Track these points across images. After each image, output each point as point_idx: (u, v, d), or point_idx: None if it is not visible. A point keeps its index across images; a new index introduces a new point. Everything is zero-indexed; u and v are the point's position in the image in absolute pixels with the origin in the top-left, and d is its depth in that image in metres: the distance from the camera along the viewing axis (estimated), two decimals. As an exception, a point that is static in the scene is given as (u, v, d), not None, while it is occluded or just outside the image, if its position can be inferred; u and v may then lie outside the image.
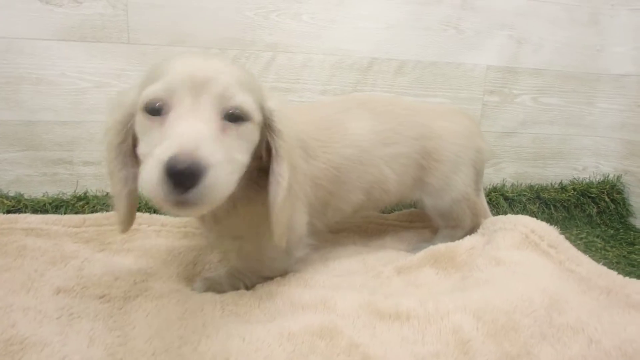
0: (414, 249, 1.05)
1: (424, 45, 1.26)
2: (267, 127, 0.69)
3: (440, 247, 0.95)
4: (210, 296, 0.77)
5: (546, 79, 1.34)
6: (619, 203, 1.32)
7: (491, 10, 1.28)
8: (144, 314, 0.72)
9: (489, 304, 0.71)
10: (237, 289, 0.83)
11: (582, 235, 1.24)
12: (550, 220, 1.30)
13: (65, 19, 1.08)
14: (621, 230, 1.29)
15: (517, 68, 1.32)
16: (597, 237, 1.24)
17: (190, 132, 0.56)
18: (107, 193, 1.15)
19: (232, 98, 0.62)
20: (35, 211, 1.07)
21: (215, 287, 0.84)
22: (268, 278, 0.85)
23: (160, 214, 1.05)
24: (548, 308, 0.73)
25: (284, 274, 0.87)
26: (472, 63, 1.29)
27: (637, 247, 1.19)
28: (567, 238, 0.93)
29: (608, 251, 1.17)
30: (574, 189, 1.33)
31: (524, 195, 1.31)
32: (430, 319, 0.69)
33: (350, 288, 0.84)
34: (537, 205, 1.31)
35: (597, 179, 1.38)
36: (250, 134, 0.65)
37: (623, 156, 1.35)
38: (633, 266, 1.09)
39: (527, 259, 0.85)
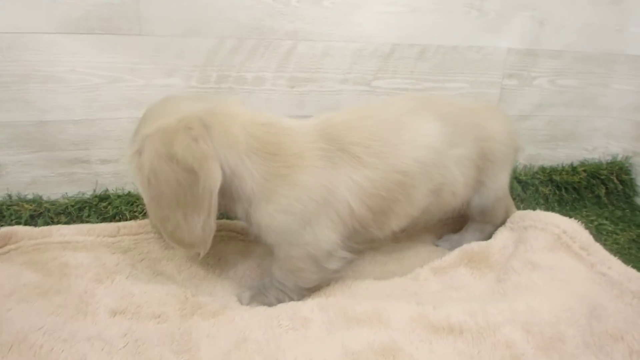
0: (443, 240, 1.10)
1: (446, 29, 1.22)
2: None
3: (474, 247, 0.98)
4: (262, 311, 0.79)
5: (565, 61, 1.33)
6: (626, 184, 1.36)
7: (514, -10, 1.24)
8: (205, 335, 0.73)
9: (535, 316, 0.74)
10: (281, 302, 0.84)
11: (592, 218, 1.29)
12: (561, 202, 1.35)
13: (71, 10, 0.99)
14: (628, 211, 1.34)
15: (537, 50, 1.30)
16: (606, 219, 1.29)
17: None
18: (129, 192, 1.12)
19: None
20: (57, 214, 1.04)
21: (260, 298, 0.86)
22: (307, 289, 0.87)
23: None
24: (588, 316, 0.76)
25: (322, 284, 0.88)
26: (493, 46, 1.26)
27: (644, 228, 1.24)
28: (578, 221, 0.96)
29: (619, 235, 1.22)
30: (585, 171, 1.36)
31: (537, 178, 1.34)
32: (482, 333, 0.72)
33: (394, 295, 0.87)
34: (549, 187, 1.33)
35: (606, 160, 1.41)
36: None
37: (633, 137, 1.38)
38: (644, 251, 1.14)
39: (563, 264, 0.88)
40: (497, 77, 1.29)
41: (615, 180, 1.35)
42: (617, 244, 1.18)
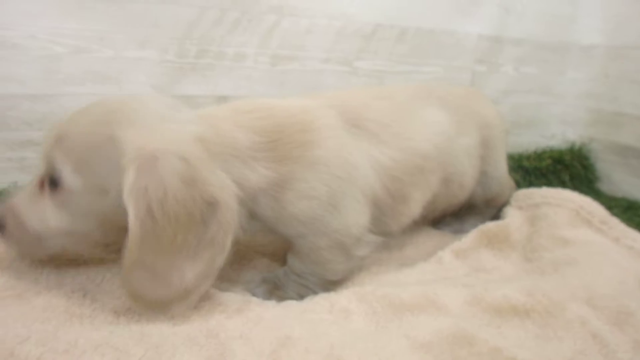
0: (445, 224, 1.04)
1: (425, 11, 1.20)
2: None
3: (491, 227, 0.92)
4: (293, 306, 0.66)
5: (526, 49, 1.38)
6: (587, 169, 1.42)
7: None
8: (236, 335, 0.58)
9: (595, 291, 0.70)
10: (304, 296, 0.72)
11: (564, 202, 1.32)
12: (530, 187, 1.37)
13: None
14: (592, 195, 1.39)
15: (503, 37, 1.33)
16: (576, 202, 1.33)
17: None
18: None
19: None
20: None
21: (279, 293, 0.73)
22: (332, 282, 0.75)
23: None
24: (640, 288, 0.73)
25: (348, 274, 0.77)
26: (465, 32, 1.27)
27: (614, 210, 1.29)
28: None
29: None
30: (550, 157, 1.40)
31: (508, 164, 1.36)
32: (550, 312, 0.66)
33: (426, 280, 0.78)
34: (520, 173, 1.36)
35: (564, 147, 1.47)
36: (74, 202, 0.59)
37: (588, 124, 1.45)
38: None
39: (593, 238, 0.86)
40: (469, 62, 1.31)
41: (578, 166, 1.40)
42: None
